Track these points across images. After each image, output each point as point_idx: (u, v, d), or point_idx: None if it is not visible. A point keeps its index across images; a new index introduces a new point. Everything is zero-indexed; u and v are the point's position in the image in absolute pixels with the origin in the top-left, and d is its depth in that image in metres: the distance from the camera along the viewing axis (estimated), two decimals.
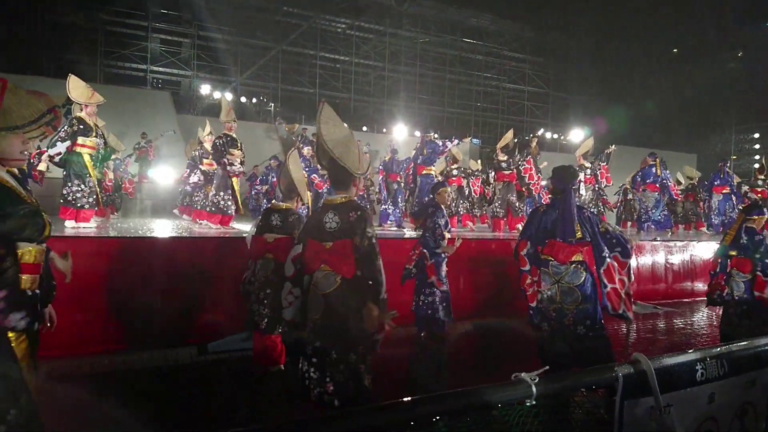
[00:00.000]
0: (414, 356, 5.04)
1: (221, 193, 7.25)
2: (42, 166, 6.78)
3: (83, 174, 6.20)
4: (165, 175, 12.62)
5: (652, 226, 10.01)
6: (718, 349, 1.88)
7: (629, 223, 12.74)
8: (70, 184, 6.13)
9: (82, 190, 6.15)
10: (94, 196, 6.27)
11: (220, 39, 20.26)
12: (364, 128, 21.00)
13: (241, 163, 7.31)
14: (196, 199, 8.92)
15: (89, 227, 6.22)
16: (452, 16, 22.74)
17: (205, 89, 18.75)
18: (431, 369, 4.74)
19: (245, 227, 6.83)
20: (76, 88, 6.21)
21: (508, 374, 1.52)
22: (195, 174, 9.48)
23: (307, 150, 9.43)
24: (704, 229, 11.78)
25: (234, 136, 7.21)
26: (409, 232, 7.74)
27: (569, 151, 22.63)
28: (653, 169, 9.87)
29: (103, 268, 4.68)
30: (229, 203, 7.26)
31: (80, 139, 6.16)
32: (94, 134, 6.26)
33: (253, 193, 11.63)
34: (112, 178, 9.19)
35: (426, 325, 5.16)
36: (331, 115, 2.86)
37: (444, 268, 5.12)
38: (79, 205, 6.13)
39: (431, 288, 5.08)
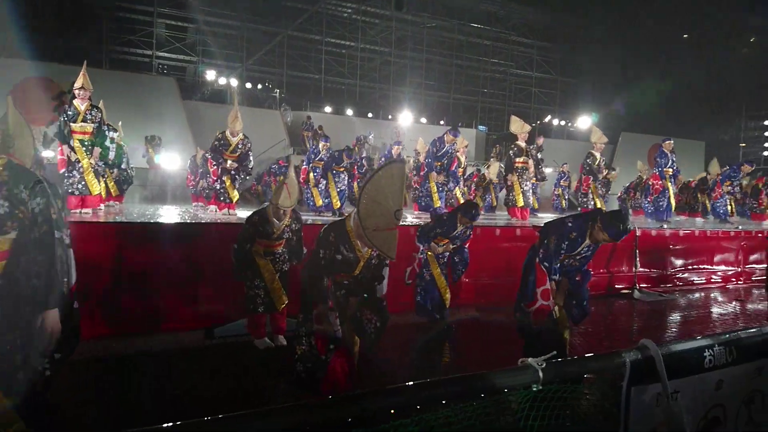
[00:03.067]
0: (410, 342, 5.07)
1: (220, 182, 7.33)
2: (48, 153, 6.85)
3: (74, 160, 6.24)
4: (171, 161, 12.65)
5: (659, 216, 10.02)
6: (727, 335, 1.87)
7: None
8: (66, 173, 6.21)
9: (72, 177, 6.20)
10: (83, 183, 6.25)
11: (226, 24, 20.14)
12: (370, 114, 20.90)
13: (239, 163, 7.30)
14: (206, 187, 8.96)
15: (87, 212, 6.28)
16: (460, 1, 22.45)
17: (210, 75, 18.68)
18: (422, 355, 4.78)
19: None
20: (82, 74, 6.31)
21: (511, 360, 1.53)
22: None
23: (322, 145, 9.21)
24: (701, 219, 11.74)
25: (232, 141, 7.16)
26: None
27: (576, 137, 22.46)
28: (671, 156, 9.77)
29: (110, 254, 4.71)
30: (221, 190, 7.35)
31: (71, 125, 6.23)
32: (81, 119, 6.23)
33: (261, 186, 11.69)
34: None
35: (416, 309, 5.36)
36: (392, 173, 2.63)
37: (419, 264, 5.26)
38: (70, 191, 6.20)
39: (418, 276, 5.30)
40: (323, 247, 2.88)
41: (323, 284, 2.92)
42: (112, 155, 7.44)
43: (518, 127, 8.78)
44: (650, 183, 10.25)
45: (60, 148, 6.40)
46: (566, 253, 3.61)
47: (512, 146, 9.01)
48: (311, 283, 2.95)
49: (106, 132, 6.83)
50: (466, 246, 5.42)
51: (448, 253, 5.34)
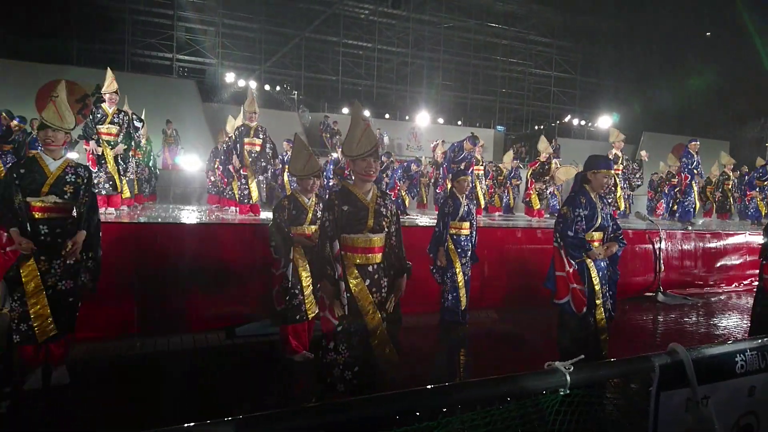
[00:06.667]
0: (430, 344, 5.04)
1: (241, 182, 7.34)
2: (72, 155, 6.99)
3: (100, 161, 6.36)
4: (191, 162, 12.80)
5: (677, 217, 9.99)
6: (759, 341, 1.82)
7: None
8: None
9: (99, 176, 6.30)
10: (111, 182, 6.38)
11: (245, 27, 20.35)
12: (387, 115, 20.91)
13: (268, 154, 7.35)
14: (226, 188, 9.02)
15: (111, 213, 6.39)
16: (477, 1, 22.32)
17: (229, 77, 18.88)
18: (445, 357, 4.74)
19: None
20: (108, 78, 6.45)
21: (537, 363, 1.50)
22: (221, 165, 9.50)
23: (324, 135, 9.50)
24: (728, 219, 11.54)
25: (251, 125, 7.24)
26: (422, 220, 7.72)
27: (597, 138, 22.14)
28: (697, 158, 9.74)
29: (132, 253, 4.78)
30: (246, 192, 7.32)
31: (97, 127, 6.36)
32: (108, 121, 6.41)
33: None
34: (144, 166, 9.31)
35: (440, 312, 5.30)
36: (353, 116, 3.03)
37: (443, 256, 5.17)
38: (96, 191, 6.27)
39: (441, 276, 5.23)
40: (327, 210, 2.89)
41: (328, 250, 2.85)
42: (141, 142, 7.48)
43: (544, 147, 9.90)
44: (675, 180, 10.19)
45: (87, 148, 6.51)
46: (585, 222, 3.57)
47: (537, 165, 9.94)
48: (317, 252, 2.94)
49: (132, 132, 6.97)
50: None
51: (469, 251, 5.31)
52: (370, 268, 2.90)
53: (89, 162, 6.48)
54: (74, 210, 3.49)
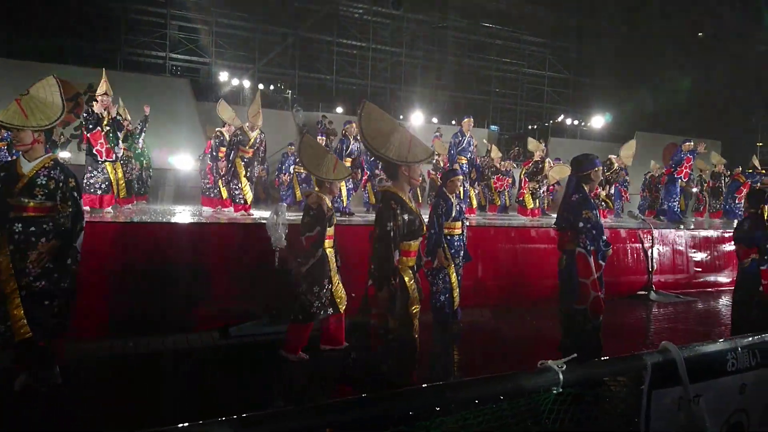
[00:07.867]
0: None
1: (234, 182, 7.39)
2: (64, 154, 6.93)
3: (96, 162, 6.42)
4: (185, 162, 12.74)
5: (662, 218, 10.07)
6: (750, 339, 1.84)
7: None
8: (87, 172, 6.34)
9: (95, 176, 6.38)
10: (108, 182, 6.45)
11: (238, 26, 20.27)
12: None
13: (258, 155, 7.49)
14: (213, 187, 8.99)
15: (108, 212, 6.39)
16: (471, 0, 22.34)
17: (223, 76, 18.81)
18: (439, 357, 4.75)
19: (265, 214, 6.88)
20: (104, 81, 6.58)
21: (524, 362, 1.51)
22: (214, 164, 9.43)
23: (319, 139, 9.65)
24: (720, 219, 11.65)
25: (251, 135, 7.37)
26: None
27: (589, 137, 22.24)
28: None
29: (126, 253, 4.76)
30: (237, 192, 7.34)
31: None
32: (105, 123, 6.44)
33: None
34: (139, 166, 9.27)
35: (432, 313, 5.27)
36: (372, 111, 3.05)
37: (442, 257, 5.15)
38: (92, 191, 6.35)
39: (433, 276, 5.21)
40: (389, 219, 2.88)
41: (393, 258, 2.90)
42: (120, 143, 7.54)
43: (534, 146, 10.16)
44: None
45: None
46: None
47: (531, 164, 10.04)
48: (381, 259, 2.92)
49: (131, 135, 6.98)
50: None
51: (462, 250, 5.32)
52: (415, 268, 3.10)
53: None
54: (52, 212, 3.35)
